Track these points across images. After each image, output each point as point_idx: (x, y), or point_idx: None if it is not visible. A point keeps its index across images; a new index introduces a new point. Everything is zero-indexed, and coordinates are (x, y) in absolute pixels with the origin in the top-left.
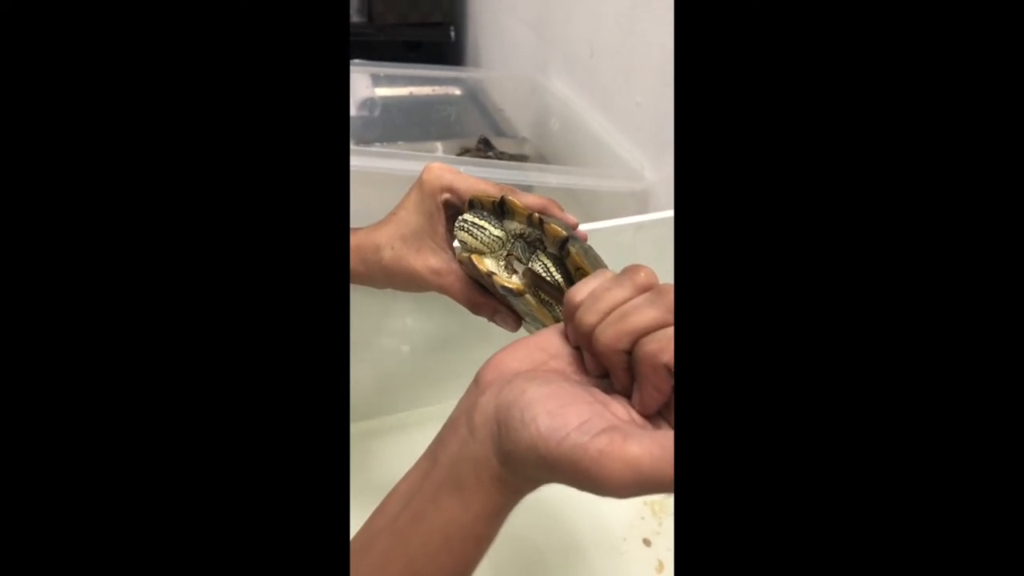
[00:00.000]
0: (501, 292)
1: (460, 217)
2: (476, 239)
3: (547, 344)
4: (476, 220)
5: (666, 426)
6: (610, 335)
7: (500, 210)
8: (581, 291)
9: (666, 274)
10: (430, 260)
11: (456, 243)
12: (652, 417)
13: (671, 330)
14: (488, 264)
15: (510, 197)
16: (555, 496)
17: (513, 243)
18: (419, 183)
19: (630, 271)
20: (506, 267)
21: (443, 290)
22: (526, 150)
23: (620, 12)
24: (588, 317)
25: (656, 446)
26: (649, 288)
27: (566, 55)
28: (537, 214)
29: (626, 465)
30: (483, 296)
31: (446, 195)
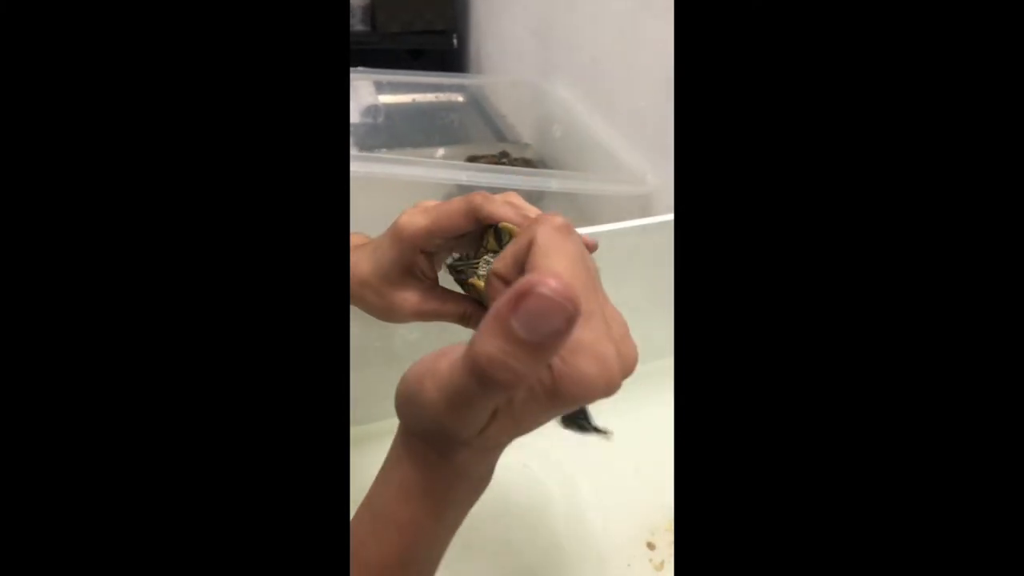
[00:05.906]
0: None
1: (483, 259)
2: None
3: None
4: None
5: None
6: None
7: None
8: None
9: (667, 277)
10: (411, 299)
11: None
12: None
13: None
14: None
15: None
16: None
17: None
18: (394, 229)
19: None
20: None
21: (432, 319)
22: (528, 155)
23: (621, 18)
24: None
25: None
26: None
27: (568, 61)
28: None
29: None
30: (473, 307)
31: (423, 246)
